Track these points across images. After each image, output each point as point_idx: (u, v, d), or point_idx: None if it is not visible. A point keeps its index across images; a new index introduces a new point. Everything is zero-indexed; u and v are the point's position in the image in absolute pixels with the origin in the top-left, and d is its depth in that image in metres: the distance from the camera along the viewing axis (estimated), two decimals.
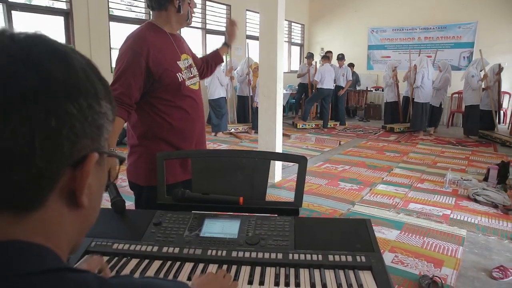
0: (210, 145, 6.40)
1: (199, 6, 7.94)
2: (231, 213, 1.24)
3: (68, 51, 0.44)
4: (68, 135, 0.40)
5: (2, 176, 0.38)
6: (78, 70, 0.43)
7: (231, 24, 2.12)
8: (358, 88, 10.36)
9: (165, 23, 1.70)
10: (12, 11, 5.01)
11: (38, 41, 0.42)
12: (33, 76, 0.39)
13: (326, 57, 8.32)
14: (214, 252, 1.05)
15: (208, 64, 2.08)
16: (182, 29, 7.48)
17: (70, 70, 0.42)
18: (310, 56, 8.96)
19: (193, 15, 1.76)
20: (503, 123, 8.48)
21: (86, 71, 0.44)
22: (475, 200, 3.86)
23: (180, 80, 1.67)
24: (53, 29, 5.63)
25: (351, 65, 9.34)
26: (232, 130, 7.46)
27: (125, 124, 1.68)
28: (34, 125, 0.38)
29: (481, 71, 7.13)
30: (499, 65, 7.27)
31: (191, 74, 1.76)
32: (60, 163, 0.41)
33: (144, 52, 1.56)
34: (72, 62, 0.43)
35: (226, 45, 2.15)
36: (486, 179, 4.45)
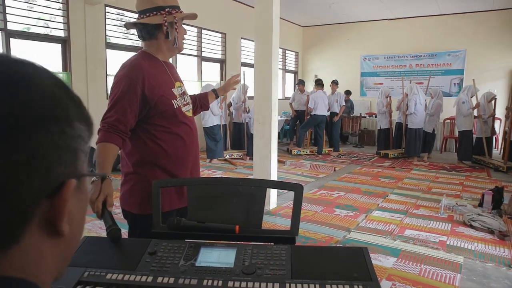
0: (204, 172, 6.37)
1: (194, 34, 8.09)
2: (227, 242, 1.22)
3: (29, 73, 0.40)
4: (40, 166, 0.38)
5: None
6: (44, 94, 0.40)
7: (234, 82, 2.18)
8: (352, 115, 10.48)
9: (157, 51, 1.73)
10: (11, 39, 5.08)
11: None
12: None
13: (319, 84, 8.46)
14: (210, 282, 1.03)
15: (195, 104, 2.06)
16: (178, 57, 7.60)
17: (33, 97, 0.39)
18: (301, 82, 9.12)
19: (183, 41, 1.79)
20: (494, 148, 8.57)
21: (54, 93, 0.41)
22: (471, 226, 3.85)
23: (175, 107, 1.69)
24: (50, 56, 5.70)
25: (348, 93, 9.51)
26: (227, 157, 7.46)
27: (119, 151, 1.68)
28: (0, 162, 0.36)
29: (471, 97, 7.26)
30: (494, 97, 7.40)
31: (185, 101, 1.78)
32: (34, 197, 0.39)
33: (140, 80, 1.59)
34: (35, 87, 0.40)
35: (215, 94, 2.16)
36: (481, 204, 4.46)
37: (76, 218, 0.45)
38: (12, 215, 0.37)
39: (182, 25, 1.77)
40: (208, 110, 2.22)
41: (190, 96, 2.05)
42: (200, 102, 2.10)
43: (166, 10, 1.66)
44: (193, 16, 1.81)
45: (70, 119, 0.42)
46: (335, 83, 8.85)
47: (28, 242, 0.40)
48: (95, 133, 0.52)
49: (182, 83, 1.85)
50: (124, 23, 6.62)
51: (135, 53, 1.74)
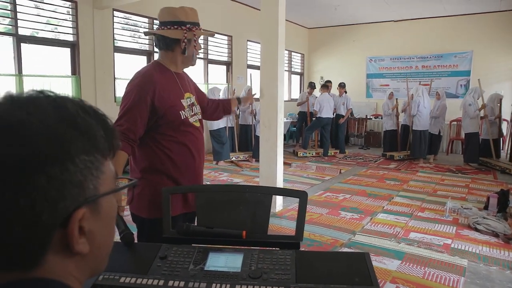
0: (211, 174, 6.43)
1: (201, 37, 8.15)
2: (235, 247, 1.28)
3: (28, 120, 0.42)
4: (43, 206, 0.41)
5: None
6: (42, 138, 0.41)
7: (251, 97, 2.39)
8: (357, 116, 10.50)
9: (170, 63, 1.78)
10: (21, 44, 5.18)
11: None
12: None
13: (325, 86, 8.50)
14: (218, 286, 1.08)
15: (217, 108, 2.15)
16: None
17: (30, 144, 0.41)
18: (312, 86, 9.15)
19: (197, 56, 1.85)
20: (501, 149, 8.53)
21: (55, 134, 0.42)
22: (476, 229, 3.87)
23: (183, 118, 1.75)
24: (60, 60, 5.79)
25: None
26: (233, 159, 7.52)
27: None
28: (4, 209, 0.39)
29: (478, 99, 7.25)
30: (500, 99, 7.41)
31: (193, 112, 1.84)
32: (43, 233, 0.42)
33: (151, 91, 1.64)
34: (34, 133, 0.41)
35: (238, 101, 2.27)
36: (486, 207, 4.47)
37: (99, 235, 0.49)
38: (23, 252, 0.42)
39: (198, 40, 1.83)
40: (230, 114, 2.32)
41: (214, 100, 2.15)
42: (224, 107, 2.18)
43: (187, 26, 1.71)
44: (212, 35, 1.88)
45: (73, 156, 0.43)
46: (341, 86, 8.88)
47: (51, 263, 0.44)
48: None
49: (194, 93, 1.90)
50: (131, 27, 6.71)
51: (148, 63, 1.80)
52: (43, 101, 0.45)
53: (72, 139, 0.43)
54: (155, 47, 1.84)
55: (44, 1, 5.43)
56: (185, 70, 1.92)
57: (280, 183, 4.51)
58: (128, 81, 1.73)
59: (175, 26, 1.70)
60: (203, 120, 1.97)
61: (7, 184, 0.39)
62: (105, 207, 0.49)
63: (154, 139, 1.72)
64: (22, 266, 0.43)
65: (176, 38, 1.71)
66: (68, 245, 0.44)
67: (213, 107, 2.14)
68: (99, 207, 0.48)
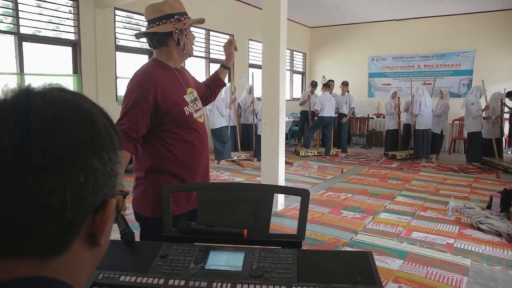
0: (212, 173, 6.42)
1: (202, 36, 8.15)
2: (236, 245, 1.26)
3: (90, 108, 0.47)
4: (93, 187, 0.44)
5: (37, 230, 0.42)
6: (100, 126, 0.47)
7: (230, 44, 2.06)
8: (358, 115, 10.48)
9: (168, 59, 1.75)
10: (23, 42, 5.17)
11: (66, 102, 0.46)
12: (66, 137, 0.43)
13: (327, 85, 8.48)
14: (219, 285, 1.06)
15: (211, 89, 2.08)
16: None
17: (94, 128, 0.46)
18: (314, 84, 9.13)
19: (192, 46, 1.82)
20: (505, 148, 8.50)
21: (105, 125, 0.48)
22: (479, 229, 3.85)
23: (187, 114, 1.72)
24: (61, 59, 5.79)
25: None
26: (235, 158, 7.51)
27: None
28: (67, 182, 0.42)
29: (479, 98, 7.23)
30: (502, 100, 7.39)
31: (197, 107, 1.81)
32: (85, 213, 0.45)
33: (152, 89, 1.62)
34: (94, 119, 0.46)
35: (225, 67, 2.11)
36: (489, 207, 4.45)
37: (107, 231, 0.51)
38: (66, 228, 0.44)
39: (191, 30, 1.81)
40: (225, 85, 2.23)
41: (204, 83, 2.07)
42: (215, 85, 2.10)
43: (175, 17, 1.68)
44: (201, 21, 1.85)
45: (115, 148, 0.49)
46: (345, 84, 8.86)
47: (72, 252, 0.46)
48: None
49: (195, 88, 1.88)
50: (132, 26, 6.70)
51: (147, 61, 1.78)
52: (90, 100, 0.50)
53: (113, 134, 0.49)
54: (154, 54, 1.80)
55: (46, 0, 5.43)
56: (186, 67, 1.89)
57: (281, 182, 4.50)
58: (129, 80, 1.71)
59: (164, 21, 1.67)
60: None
61: (76, 160, 0.43)
62: (111, 205, 0.52)
63: (159, 137, 1.69)
64: (47, 252, 0.44)
65: (167, 31, 1.68)
66: (93, 234, 0.47)
67: (209, 90, 2.08)
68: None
